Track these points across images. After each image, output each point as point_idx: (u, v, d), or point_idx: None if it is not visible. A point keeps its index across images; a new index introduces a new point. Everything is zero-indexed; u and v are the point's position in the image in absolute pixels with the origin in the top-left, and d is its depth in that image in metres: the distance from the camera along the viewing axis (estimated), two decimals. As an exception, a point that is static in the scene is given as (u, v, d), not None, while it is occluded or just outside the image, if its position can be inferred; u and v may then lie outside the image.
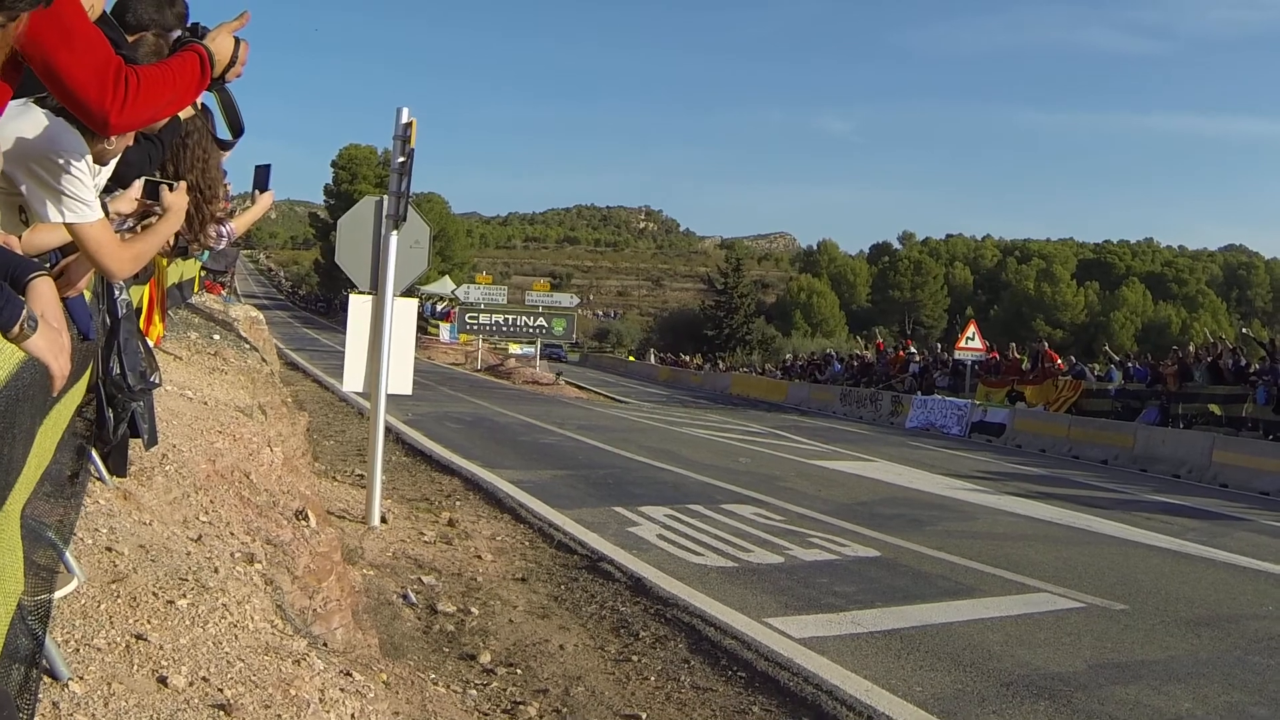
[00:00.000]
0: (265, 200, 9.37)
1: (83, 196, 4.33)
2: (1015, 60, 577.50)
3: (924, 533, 16.61)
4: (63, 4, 3.59)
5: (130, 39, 5.53)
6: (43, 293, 3.28)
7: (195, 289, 30.63)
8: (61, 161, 4.24)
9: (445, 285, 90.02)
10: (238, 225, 9.48)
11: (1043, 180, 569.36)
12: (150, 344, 9.65)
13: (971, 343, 45.76)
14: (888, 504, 19.73)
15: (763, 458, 26.75)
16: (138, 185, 5.45)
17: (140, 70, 3.98)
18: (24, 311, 2.83)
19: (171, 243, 6.24)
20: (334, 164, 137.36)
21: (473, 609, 11.31)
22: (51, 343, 2.99)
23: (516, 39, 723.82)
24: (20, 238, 4.46)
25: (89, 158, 4.45)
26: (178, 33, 5.56)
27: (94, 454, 7.21)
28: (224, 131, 5.88)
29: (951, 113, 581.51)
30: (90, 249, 4.45)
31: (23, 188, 4.29)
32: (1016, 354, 45.90)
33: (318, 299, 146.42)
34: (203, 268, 28.62)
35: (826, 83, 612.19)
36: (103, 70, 3.77)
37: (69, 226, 4.38)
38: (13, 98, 3.94)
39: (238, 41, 4.62)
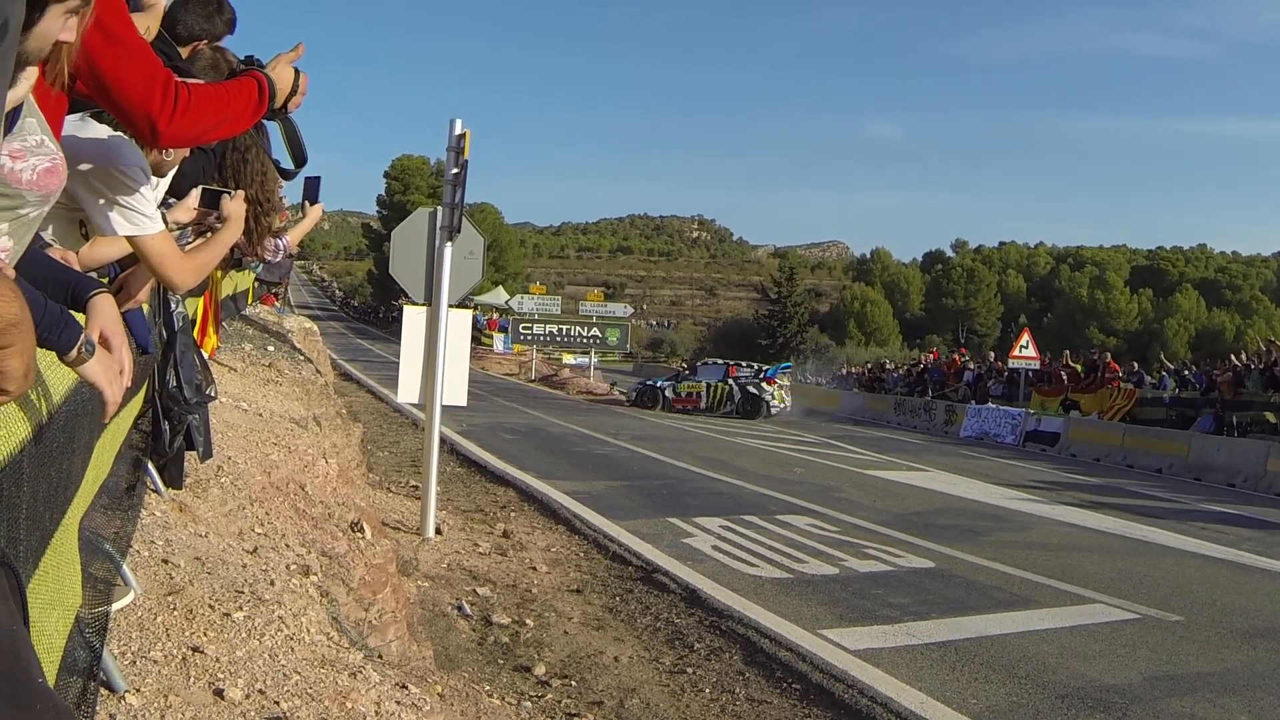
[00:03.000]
0: (315, 212, 9.41)
1: (143, 209, 4.33)
2: (1065, 66, 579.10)
3: (979, 543, 16.54)
4: (110, 15, 3.60)
5: (184, 53, 5.55)
6: (104, 310, 3.27)
7: (249, 300, 30.72)
8: (122, 174, 4.25)
9: (499, 295, 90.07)
10: (291, 238, 9.52)
11: (1095, 186, 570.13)
12: (205, 356, 9.69)
13: (1025, 351, 45.50)
14: (942, 514, 19.65)
15: (817, 468, 26.69)
16: (195, 194, 5.47)
17: (194, 86, 3.99)
18: (81, 336, 2.82)
19: (228, 255, 6.26)
20: (386, 175, 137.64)
21: (528, 621, 11.32)
22: (107, 369, 2.98)
23: (567, 50, 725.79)
24: (78, 253, 4.47)
25: (148, 170, 4.46)
26: (228, 40, 5.59)
27: (150, 466, 7.23)
28: (287, 161, 5.89)
29: (1002, 119, 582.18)
30: (153, 261, 4.46)
31: (84, 202, 4.30)
32: (1070, 362, 45.54)
33: (371, 309, 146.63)
34: (257, 279, 28.66)
35: (877, 90, 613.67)
36: (151, 81, 3.78)
37: (131, 239, 4.38)
38: (68, 112, 3.95)
39: (297, 72, 4.63)
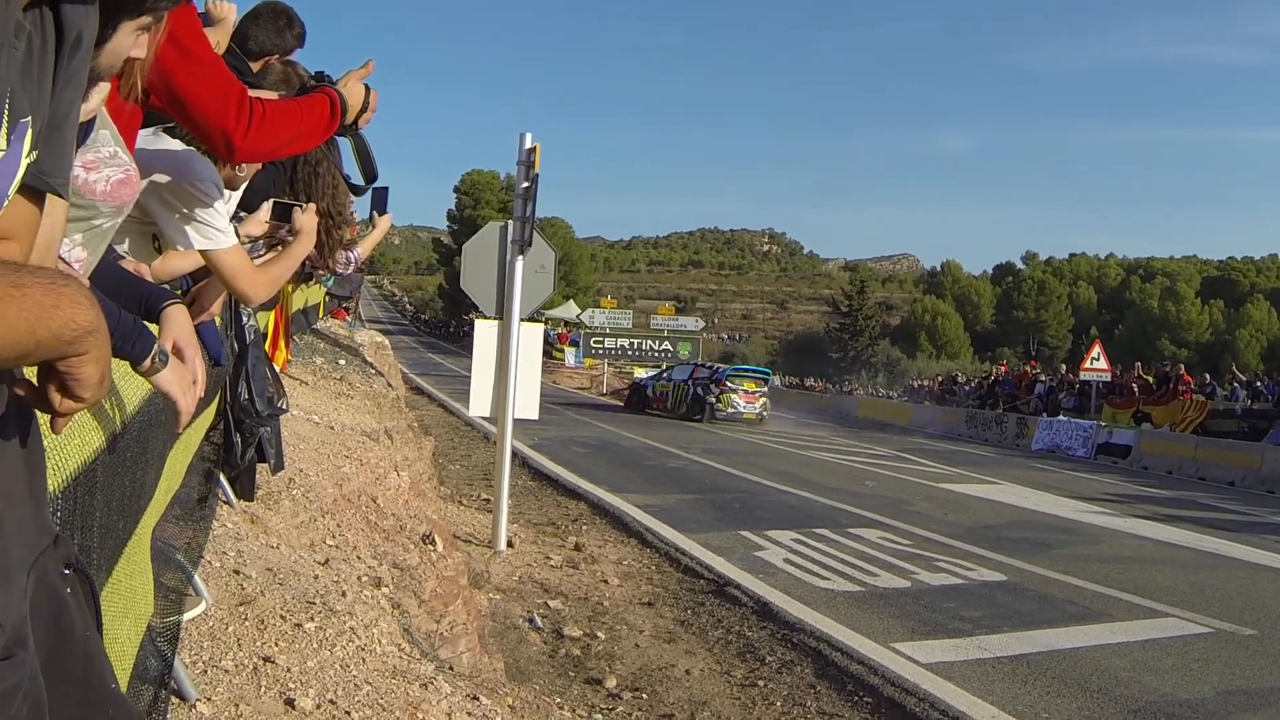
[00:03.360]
0: (384, 223, 9.47)
1: (217, 223, 4.36)
2: (1136, 76, 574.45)
3: (1050, 556, 16.40)
4: (185, 32, 3.64)
5: (255, 67, 5.60)
6: (177, 320, 3.29)
7: (320, 314, 30.87)
8: (195, 189, 4.28)
9: (570, 309, 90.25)
10: (361, 249, 9.58)
11: (1165, 196, 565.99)
12: (277, 369, 9.74)
13: (1097, 363, 45.19)
14: (1014, 527, 19.51)
15: (888, 481, 26.56)
16: (266, 208, 5.51)
17: (268, 102, 4.03)
18: (155, 346, 2.83)
19: (299, 268, 6.30)
20: (457, 189, 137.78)
21: (599, 633, 11.31)
22: (181, 379, 2.99)
23: (636, 65, 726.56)
24: (150, 266, 4.50)
25: (221, 184, 4.50)
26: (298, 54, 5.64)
27: (222, 478, 7.29)
28: (357, 177, 5.94)
29: (1073, 129, 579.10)
30: (226, 275, 4.49)
31: (157, 217, 4.33)
32: (1141, 373, 45.20)
33: (441, 324, 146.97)
34: (328, 293, 28.82)
35: (948, 102, 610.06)
36: (226, 97, 3.82)
37: (204, 254, 4.41)
38: (141, 126, 3.99)
39: (367, 89, 4.66)
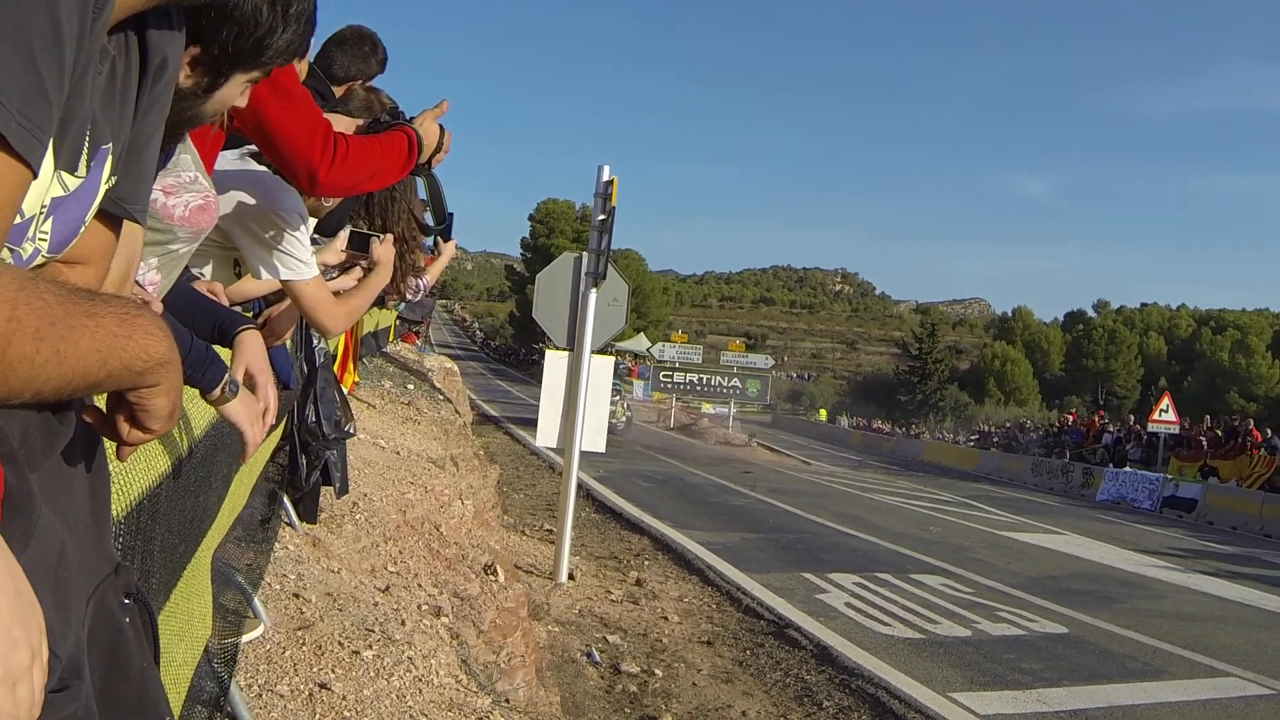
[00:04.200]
0: (449, 249, 9.51)
1: (300, 255, 4.38)
2: (1215, 122, 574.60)
3: (1112, 610, 16.28)
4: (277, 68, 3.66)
5: (338, 92, 5.62)
6: (251, 348, 3.29)
7: (390, 338, 30.97)
8: (280, 219, 4.30)
9: (640, 343, 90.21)
10: (429, 276, 9.61)
11: (1239, 247, 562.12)
12: (345, 392, 9.77)
13: (1165, 415, 44.95)
14: (1077, 579, 19.38)
15: (953, 527, 26.43)
16: (343, 236, 5.52)
17: (351, 138, 4.05)
18: (225, 376, 2.83)
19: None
20: (531, 218, 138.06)
21: (656, 670, 11.27)
22: (250, 409, 2.98)
23: (713, 100, 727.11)
24: (226, 288, 4.51)
25: (306, 215, 4.51)
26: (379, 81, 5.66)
27: (286, 500, 7.30)
28: (429, 217, 5.95)
29: (1148, 176, 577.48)
30: (306, 306, 4.50)
31: (241, 245, 4.35)
32: (1210, 427, 44.88)
33: (511, 351, 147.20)
34: (399, 317, 28.94)
35: (1024, 144, 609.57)
36: (312, 130, 3.84)
37: (285, 283, 4.42)
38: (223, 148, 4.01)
39: (442, 129, 4.67)
